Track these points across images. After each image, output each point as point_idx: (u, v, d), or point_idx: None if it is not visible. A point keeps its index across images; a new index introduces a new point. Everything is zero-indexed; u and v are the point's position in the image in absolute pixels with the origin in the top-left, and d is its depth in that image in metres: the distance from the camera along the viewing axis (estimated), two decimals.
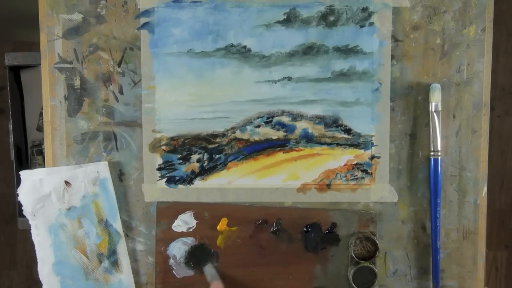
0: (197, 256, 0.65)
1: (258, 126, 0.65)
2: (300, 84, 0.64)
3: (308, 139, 0.65)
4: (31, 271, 1.52)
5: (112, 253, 0.65)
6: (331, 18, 0.64)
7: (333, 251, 0.66)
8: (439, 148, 0.63)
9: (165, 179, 0.65)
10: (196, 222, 0.66)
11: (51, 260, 0.65)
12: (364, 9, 0.63)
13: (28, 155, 0.98)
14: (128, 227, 0.66)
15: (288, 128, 0.65)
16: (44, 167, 0.66)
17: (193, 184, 0.65)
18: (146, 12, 0.64)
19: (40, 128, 0.96)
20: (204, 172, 0.65)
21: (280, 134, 0.65)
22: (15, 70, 0.93)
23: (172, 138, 0.65)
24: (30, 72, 0.94)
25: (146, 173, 0.65)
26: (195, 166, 0.65)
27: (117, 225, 0.65)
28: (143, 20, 0.64)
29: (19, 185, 0.64)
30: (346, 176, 0.65)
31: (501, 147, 1.52)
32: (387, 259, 0.66)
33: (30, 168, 0.73)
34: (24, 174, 0.64)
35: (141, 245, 0.66)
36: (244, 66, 0.64)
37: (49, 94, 0.65)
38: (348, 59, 0.64)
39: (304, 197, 0.65)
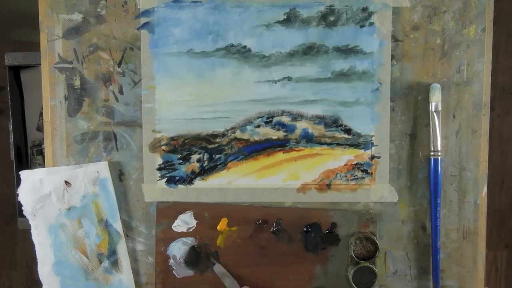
0: (198, 257, 0.65)
1: (258, 126, 0.65)
2: (300, 84, 0.64)
3: (308, 139, 0.65)
4: (31, 271, 1.52)
5: (112, 253, 0.65)
6: (331, 18, 0.64)
7: (333, 251, 0.66)
8: (439, 148, 0.63)
9: (165, 179, 0.65)
10: (196, 222, 0.66)
11: (51, 260, 0.65)
12: (364, 9, 0.63)
13: (28, 155, 0.98)
14: (128, 227, 0.66)
15: (288, 128, 0.65)
16: (44, 167, 0.66)
17: (193, 184, 0.65)
18: (146, 12, 0.64)
19: (40, 128, 0.96)
20: (204, 172, 0.65)
21: (280, 134, 0.65)
22: (15, 70, 0.93)
23: (172, 138, 0.65)
24: (30, 72, 0.94)
25: (146, 173, 0.65)
26: (195, 166, 0.65)
27: (117, 225, 0.65)
28: (143, 20, 0.64)
29: (19, 185, 0.64)
30: (346, 176, 0.65)
31: (501, 147, 1.52)
32: (387, 259, 0.66)
33: (30, 168, 0.74)
34: (24, 174, 0.64)
35: (141, 245, 0.66)
36: (244, 66, 0.64)
37: (49, 94, 0.65)
38: (348, 59, 0.64)
39: (304, 197, 0.65)
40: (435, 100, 0.63)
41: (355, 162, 0.65)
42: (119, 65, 0.64)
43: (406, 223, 0.65)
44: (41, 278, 0.66)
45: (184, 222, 0.66)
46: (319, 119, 0.65)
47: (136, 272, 0.66)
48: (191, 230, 0.66)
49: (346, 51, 0.64)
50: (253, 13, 0.64)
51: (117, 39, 0.64)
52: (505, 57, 1.50)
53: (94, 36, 0.64)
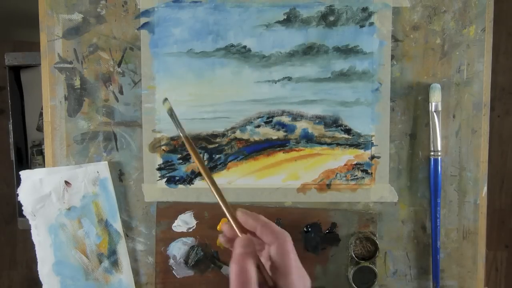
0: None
1: (258, 126, 0.65)
2: (300, 84, 0.64)
3: (308, 139, 0.65)
4: (31, 271, 1.52)
5: (112, 253, 0.65)
6: (331, 18, 0.64)
7: (333, 251, 0.66)
8: (439, 148, 0.63)
9: (165, 179, 0.65)
10: (196, 222, 0.66)
11: (51, 260, 0.65)
12: (364, 9, 0.63)
13: (28, 155, 0.98)
14: (128, 227, 0.66)
15: (288, 128, 0.65)
16: (44, 167, 0.66)
17: (193, 184, 0.65)
18: (146, 12, 0.64)
19: (40, 128, 0.96)
20: None
21: (280, 134, 0.65)
22: (15, 70, 0.93)
23: (172, 138, 0.65)
24: (30, 72, 0.94)
25: (146, 173, 0.65)
26: (195, 166, 0.65)
27: (117, 225, 0.65)
28: (143, 20, 0.64)
29: (19, 185, 0.64)
30: (346, 176, 0.65)
31: (501, 147, 1.53)
32: (387, 259, 0.66)
33: (30, 168, 0.73)
34: (24, 174, 0.64)
35: (141, 245, 0.66)
36: (244, 66, 0.64)
37: (49, 94, 0.65)
38: (348, 59, 0.64)
39: (304, 197, 0.65)
40: (435, 100, 0.63)
41: (355, 162, 0.65)
42: (119, 65, 0.64)
43: (406, 223, 0.65)
44: (41, 278, 0.66)
45: (184, 222, 0.66)
46: (319, 119, 0.65)
47: (136, 272, 0.66)
48: (191, 230, 0.66)
49: (346, 51, 0.64)
50: (253, 13, 0.64)
51: (117, 39, 0.64)
52: (505, 57, 1.50)
53: (94, 36, 0.64)
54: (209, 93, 0.65)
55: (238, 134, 0.65)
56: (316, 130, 0.65)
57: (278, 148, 0.65)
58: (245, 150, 0.65)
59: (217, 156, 0.65)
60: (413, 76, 0.64)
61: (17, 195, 0.65)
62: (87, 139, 0.65)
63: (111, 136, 0.65)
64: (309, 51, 0.64)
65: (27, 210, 0.64)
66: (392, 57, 0.64)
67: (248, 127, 0.65)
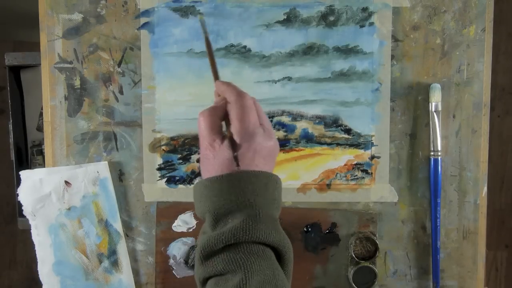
0: None
1: None
2: (300, 84, 0.64)
3: (308, 139, 0.65)
4: (31, 271, 1.52)
5: (112, 253, 0.65)
6: (331, 18, 0.64)
7: (333, 251, 0.66)
8: (439, 148, 0.63)
9: (165, 179, 0.65)
10: (196, 222, 0.66)
11: (51, 260, 0.65)
12: (364, 9, 0.63)
13: (28, 155, 0.98)
14: (128, 227, 0.66)
15: (288, 128, 0.65)
16: (44, 167, 0.66)
17: (193, 184, 0.65)
18: (146, 12, 0.64)
19: (40, 128, 0.96)
20: None
21: (280, 134, 0.65)
22: (15, 70, 0.93)
23: (172, 138, 0.65)
24: (30, 72, 0.94)
25: (146, 173, 0.65)
26: (195, 166, 0.65)
27: (117, 225, 0.65)
28: (143, 20, 0.64)
29: (19, 185, 0.64)
30: (346, 176, 0.65)
31: (501, 147, 1.53)
32: (387, 259, 0.66)
33: (30, 168, 0.73)
34: (24, 174, 0.64)
35: (141, 245, 0.66)
36: (244, 66, 0.64)
37: (49, 94, 0.65)
38: (348, 59, 0.64)
39: (304, 197, 0.65)
40: (435, 100, 0.63)
41: (355, 162, 0.65)
42: (119, 65, 0.64)
43: (406, 223, 0.65)
44: (41, 278, 0.66)
45: (184, 222, 0.66)
46: (319, 119, 0.65)
47: (136, 272, 0.66)
48: (191, 230, 0.66)
49: (346, 51, 0.64)
50: (253, 13, 0.64)
51: (117, 39, 0.64)
52: (505, 57, 1.50)
53: (94, 36, 0.64)
54: (209, 93, 0.64)
55: None
56: (316, 130, 0.65)
57: None
58: None
59: None
60: (413, 76, 0.64)
61: (17, 195, 0.65)
62: (87, 139, 0.65)
63: (111, 136, 0.65)
64: (309, 51, 0.64)
65: (27, 210, 0.64)
66: (392, 57, 0.64)
67: None
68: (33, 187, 0.64)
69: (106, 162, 0.65)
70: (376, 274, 0.64)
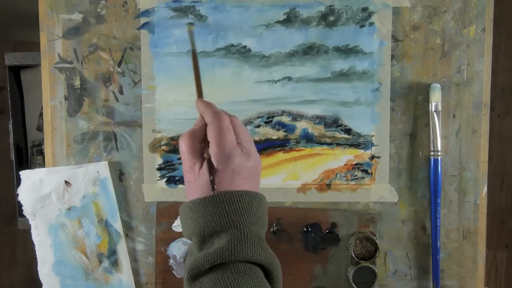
0: None
1: (258, 126, 0.65)
2: (300, 84, 0.64)
3: (308, 139, 0.65)
4: (31, 271, 1.52)
5: (112, 253, 0.65)
6: (331, 18, 0.64)
7: (333, 251, 0.66)
8: (439, 148, 0.63)
9: (165, 179, 0.65)
10: None
11: (51, 260, 0.65)
12: (364, 9, 0.63)
13: (28, 155, 0.98)
14: (128, 227, 0.66)
15: (288, 128, 0.65)
16: (44, 167, 0.66)
17: None
18: (146, 12, 0.64)
19: (40, 128, 0.96)
20: None
21: (280, 134, 0.65)
22: (15, 70, 0.93)
23: (172, 138, 0.65)
24: (30, 72, 0.94)
25: (146, 173, 0.65)
26: None
27: (117, 225, 0.65)
28: (143, 20, 0.64)
29: (19, 185, 0.64)
30: (346, 176, 0.65)
31: (501, 147, 1.53)
32: (387, 259, 0.66)
33: (30, 168, 0.73)
34: (24, 174, 0.64)
35: (141, 245, 0.66)
36: (244, 66, 0.64)
37: (49, 94, 0.65)
38: (348, 59, 0.64)
39: (304, 197, 0.65)
40: (435, 100, 0.63)
41: (355, 162, 0.65)
42: (119, 65, 0.64)
43: (406, 223, 0.65)
44: (41, 278, 0.66)
45: None
46: (319, 119, 0.65)
47: (136, 272, 0.66)
48: None
49: (346, 51, 0.64)
50: (253, 13, 0.64)
51: (117, 39, 0.64)
52: (505, 57, 1.50)
53: (94, 36, 0.64)
54: (209, 93, 0.64)
55: None
56: (316, 130, 0.65)
57: (278, 148, 0.65)
58: None
59: None
60: (413, 76, 0.64)
61: (17, 195, 0.65)
62: (87, 139, 0.65)
63: (111, 136, 0.65)
64: (309, 51, 0.64)
65: (27, 210, 0.64)
66: (392, 57, 0.64)
67: (248, 127, 0.65)
68: (33, 187, 0.64)
69: (106, 162, 0.65)
70: (376, 274, 0.64)
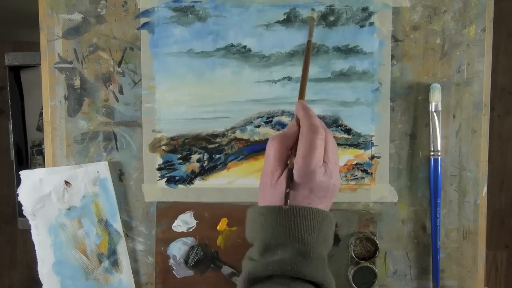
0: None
1: (258, 126, 0.65)
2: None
3: None
4: (31, 271, 1.52)
5: (112, 253, 0.65)
6: (331, 18, 0.64)
7: (333, 251, 0.65)
8: (439, 148, 0.63)
9: (165, 179, 0.65)
10: (196, 222, 0.66)
11: (51, 260, 0.65)
12: (364, 9, 0.63)
13: (28, 155, 0.98)
14: (128, 227, 0.66)
15: None
16: (44, 167, 0.66)
17: (193, 184, 0.65)
18: (146, 12, 0.64)
19: (40, 128, 0.96)
20: (204, 172, 0.65)
21: None
22: (15, 70, 0.93)
23: (172, 138, 0.65)
24: (30, 72, 0.94)
25: (146, 173, 0.65)
26: (195, 166, 0.65)
27: (117, 225, 0.65)
28: (143, 20, 0.64)
29: (19, 185, 0.64)
30: (346, 176, 0.65)
31: (501, 147, 1.53)
32: (387, 259, 0.66)
33: (30, 168, 0.73)
34: (24, 174, 0.64)
35: (141, 245, 0.66)
36: (244, 66, 0.64)
37: (49, 94, 0.65)
38: (348, 59, 0.64)
39: None
40: (435, 100, 0.63)
41: (355, 162, 0.65)
42: (119, 65, 0.64)
43: (406, 223, 0.65)
44: (41, 278, 0.66)
45: (184, 222, 0.66)
46: (319, 119, 0.65)
47: (136, 272, 0.66)
48: (191, 230, 0.66)
49: (346, 51, 0.64)
50: (253, 13, 0.64)
51: (117, 39, 0.64)
52: (505, 57, 1.50)
53: (94, 36, 0.64)
54: (209, 93, 0.65)
55: (238, 134, 0.65)
56: None
57: None
58: (245, 150, 0.65)
59: (217, 156, 0.65)
60: (413, 76, 0.64)
61: (17, 195, 0.65)
62: (87, 139, 0.65)
63: (111, 136, 0.65)
64: None
65: (27, 210, 0.64)
66: (392, 57, 0.64)
67: (248, 127, 0.65)
68: (33, 187, 0.64)
69: (106, 162, 0.65)
70: (376, 274, 0.64)
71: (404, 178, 0.65)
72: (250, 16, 0.64)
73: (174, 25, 0.64)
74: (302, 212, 0.44)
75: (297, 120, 0.50)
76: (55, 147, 0.65)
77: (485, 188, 0.65)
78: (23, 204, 0.64)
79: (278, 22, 0.64)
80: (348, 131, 0.65)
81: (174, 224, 0.66)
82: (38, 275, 0.66)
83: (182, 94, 0.65)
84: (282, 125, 0.65)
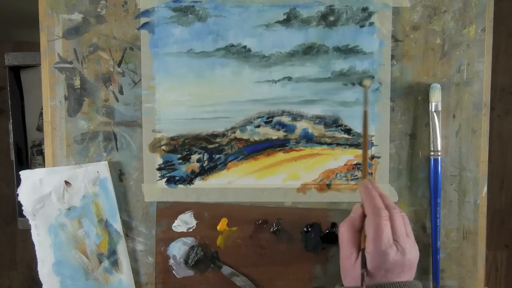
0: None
1: (258, 126, 0.65)
2: (300, 84, 0.64)
3: (308, 139, 0.65)
4: (31, 271, 1.52)
5: (112, 253, 0.65)
6: (331, 18, 0.64)
7: (333, 251, 0.66)
8: (439, 148, 0.63)
9: (165, 179, 0.65)
10: (196, 222, 0.66)
11: (51, 260, 0.65)
12: (364, 9, 0.64)
13: (28, 155, 0.98)
14: (128, 227, 0.66)
15: (288, 128, 0.65)
16: (44, 167, 0.66)
17: (193, 184, 0.65)
18: (146, 12, 0.64)
19: (40, 128, 0.96)
20: (204, 172, 0.65)
21: (280, 134, 0.65)
22: (15, 70, 0.93)
23: (172, 138, 0.65)
24: (30, 72, 0.94)
25: (146, 173, 0.65)
26: (195, 166, 0.65)
27: (117, 225, 0.65)
28: (143, 20, 0.64)
29: (19, 185, 0.64)
30: (346, 176, 0.65)
31: (501, 147, 1.53)
32: None
33: (30, 168, 0.74)
34: (24, 174, 0.64)
35: (141, 245, 0.66)
36: (244, 66, 0.64)
37: (49, 94, 0.65)
38: (348, 59, 0.64)
39: (304, 197, 0.65)
40: (435, 100, 0.63)
41: (355, 162, 0.65)
42: (119, 65, 0.64)
43: None
44: (41, 278, 0.66)
45: (184, 222, 0.66)
46: (319, 119, 0.65)
47: (136, 272, 0.66)
48: (191, 230, 0.66)
49: (346, 51, 0.64)
50: (253, 13, 0.64)
51: (117, 39, 0.64)
52: (505, 57, 1.50)
53: (94, 36, 0.64)
54: (209, 93, 0.65)
55: (238, 134, 0.65)
56: (316, 130, 0.65)
57: (278, 148, 0.65)
58: (245, 150, 0.65)
59: (217, 156, 0.65)
60: (413, 76, 0.64)
61: (17, 195, 0.65)
62: (87, 139, 0.65)
63: (111, 136, 0.65)
64: (309, 51, 0.64)
65: (27, 210, 0.64)
66: (392, 57, 0.64)
67: (248, 127, 0.65)
68: (33, 187, 0.64)
69: (106, 162, 0.65)
70: None
71: (404, 178, 0.65)
72: (250, 16, 0.64)
73: (174, 25, 0.64)
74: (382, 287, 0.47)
75: (361, 204, 0.53)
76: (55, 147, 0.65)
77: (485, 188, 0.65)
78: (23, 204, 0.64)
79: (278, 22, 0.64)
80: (348, 131, 0.65)
81: (174, 224, 0.66)
82: (38, 275, 0.66)
83: (182, 94, 0.65)
84: (282, 125, 0.65)
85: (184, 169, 0.65)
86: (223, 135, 0.65)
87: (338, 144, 0.65)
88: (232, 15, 0.64)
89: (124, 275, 0.66)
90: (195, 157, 0.65)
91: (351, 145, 0.65)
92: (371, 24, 0.64)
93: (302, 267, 0.66)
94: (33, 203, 0.64)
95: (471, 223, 0.65)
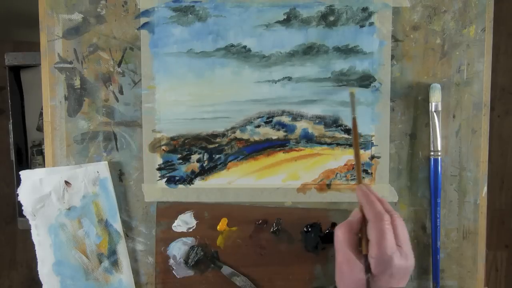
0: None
1: (258, 126, 0.65)
2: (300, 84, 0.64)
3: (308, 139, 0.65)
4: (31, 271, 1.52)
5: (112, 253, 0.65)
6: (331, 18, 0.64)
7: (333, 251, 0.65)
8: (439, 148, 0.63)
9: (165, 179, 0.65)
10: (196, 222, 0.66)
11: (51, 260, 0.65)
12: (364, 9, 0.63)
13: (28, 155, 0.98)
14: (128, 227, 0.66)
15: (288, 128, 0.65)
16: (44, 167, 0.66)
17: (193, 184, 0.65)
18: (146, 12, 0.64)
19: (40, 128, 0.96)
20: (204, 172, 0.65)
21: (280, 134, 0.65)
22: (15, 70, 0.93)
23: (172, 138, 0.65)
24: (30, 72, 0.94)
25: (146, 173, 0.65)
26: (195, 166, 0.65)
27: (117, 225, 0.65)
28: (143, 20, 0.64)
29: (19, 185, 0.64)
30: (346, 176, 0.65)
31: (501, 147, 1.53)
32: None
33: (30, 168, 0.73)
34: (24, 174, 0.64)
35: (141, 245, 0.66)
36: (244, 66, 0.64)
37: (49, 94, 0.65)
38: (348, 59, 0.64)
39: (304, 197, 0.65)
40: (435, 100, 0.63)
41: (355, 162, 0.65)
42: (119, 65, 0.64)
43: (406, 223, 0.65)
44: (41, 278, 0.66)
45: (184, 222, 0.66)
46: (319, 119, 0.65)
47: (136, 272, 0.66)
48: (191, 230, 0.66)
49: (346, 51, 0.64)
50: (253, 13, 0.64)
51: (117, 39, 0.64)
52: (505, 57, 1.50)
53: (94, 36, 0.64)
54: (209, 93, 0.65)
55: (238, 134, 0.65)
56: (316, 130, 0.65)
57: (278, 148, 0.65)
58: (245, 150, 0.65)
59: (217, 156, 0.65)
60: (413, 76, 0.64)
61: (17, 195, 0.65)
62: (87, 139, 0.65)
63: (111, 136, 0.65)
64: (309, 51, 0.64)
65: (27, 210, 0.64)
66: (392, 57, 0.64)
67: (248, 127, 0.65)
68: (33, 187, 0.64)
69: (106, 162, 0.65)
70: None
71: (404, 178, 0.65)
72: (250, 16, 0.64)
73: (174, 25, 0.64)
74: None
75: (360, 206, 0.52)
76: (55, 147, 0.65)
77: (485, 188, 0.65)
78: (23, 204, 0.64)
79: (278, 22, 0.64)
80: (348, 131, 0.65)
81: (174, 224, 0.66)
82: (38, 275, 0.66)
83: (182, 94, 0.65)
84: (282, 125, 0.65)
85: (184, 169, 0.65)
86: (223, 135, 0.65)
87: (338, 144, 0.65)
88: (232, 15, 0.64)
89: (124, 275, 0.66)
90: (195, 157, 0.65)
91: (351, 145, 0.65)
92: (371, 24, 0.64)
93: (302, 267, 0.66)
94: (33, 203, 0.64)
95: (471, 223, 0.65)
